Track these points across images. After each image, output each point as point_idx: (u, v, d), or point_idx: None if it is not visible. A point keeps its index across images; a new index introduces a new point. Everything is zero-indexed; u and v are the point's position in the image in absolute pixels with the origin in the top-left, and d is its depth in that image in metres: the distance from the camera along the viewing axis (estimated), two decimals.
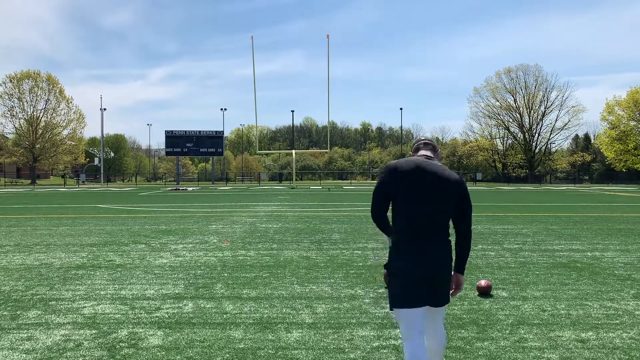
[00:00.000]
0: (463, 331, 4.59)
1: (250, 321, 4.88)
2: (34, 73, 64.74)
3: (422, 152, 3.13)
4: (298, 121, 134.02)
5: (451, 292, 3.11)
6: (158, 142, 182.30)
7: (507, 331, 4.59)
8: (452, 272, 3.08)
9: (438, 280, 2.96)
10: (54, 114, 66.11)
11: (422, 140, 3.21)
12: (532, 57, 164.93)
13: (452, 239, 2.99)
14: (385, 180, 2.99)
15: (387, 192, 3.00)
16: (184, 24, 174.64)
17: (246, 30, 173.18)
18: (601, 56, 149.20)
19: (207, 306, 5.40)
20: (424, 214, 2.92)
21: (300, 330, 4.61)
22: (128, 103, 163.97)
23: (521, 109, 73.80)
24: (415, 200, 2.92)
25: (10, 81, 64.23)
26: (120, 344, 4.27)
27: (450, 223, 3.04)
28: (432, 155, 3.10)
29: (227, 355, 4.02)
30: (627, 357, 3.99)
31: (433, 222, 2.94)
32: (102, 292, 6.01)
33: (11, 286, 6.36)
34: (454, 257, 3.05)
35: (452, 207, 2.97)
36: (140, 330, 4.62)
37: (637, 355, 4.04)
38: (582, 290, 6.13)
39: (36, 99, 64.91)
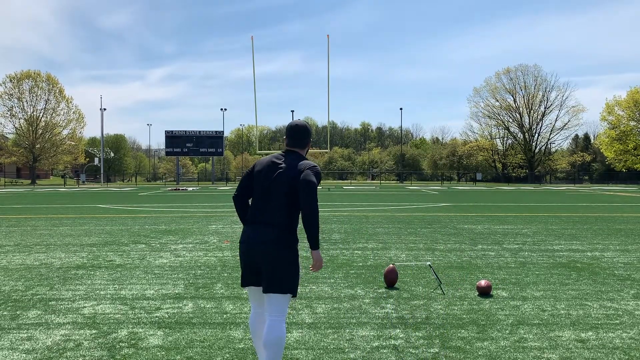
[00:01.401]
0: (463, 331, 4.59)
1: None
2: (34, 73, 64.75)
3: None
4: None
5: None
6: (158, 142, 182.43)
7: (507, 331, 4.59)
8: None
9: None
10: (54, 114, 66.17)
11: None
12: (531, 57, 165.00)
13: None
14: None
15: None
16: (183, 25, 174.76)
17: (245, 31, 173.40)
18: (598, 57, 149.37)
19: (207, 306, 5.40)
20: None
21: (300, 330, 4.61)
22: (128, 103, 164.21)
23: (521, 109, 73.87)
24: None
25: (10, 81, 64.26)
26: (120, 344, 4.27)
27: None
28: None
29: (227, 355, 4.02)
30: (627, 357, 4.00)
31: None
32: (102, 292, 6.01)
33: (11, 286, 6.36)
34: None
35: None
36: (140, 330, 4.62)
37: (637, 355, 4.04)
38: (582, 290, 6.13)
39: (36, 99, 64.95)
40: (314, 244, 3.20)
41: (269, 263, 3.19)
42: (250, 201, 3.41)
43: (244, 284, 3.36)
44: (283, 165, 3.27)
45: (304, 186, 3.13)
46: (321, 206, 20.25)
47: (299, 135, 3.40)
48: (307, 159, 3.36)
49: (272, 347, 3.16)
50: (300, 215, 3.26)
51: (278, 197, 3.22)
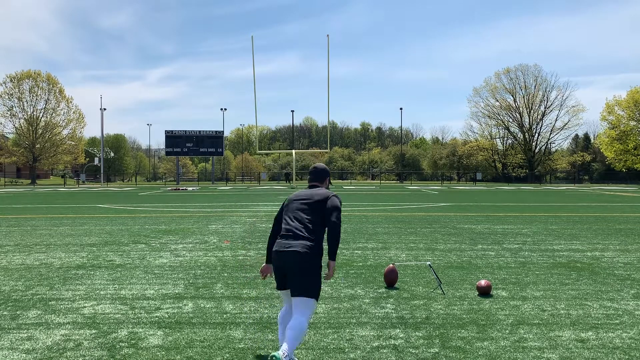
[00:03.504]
0: (463, 331, 4.59)
1: (250, 321, 4.88)
2: (34, 73, 64.71)
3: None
4: (298, 121, 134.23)
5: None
6: (158, 142, 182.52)
7: (507, 331, 4.59)
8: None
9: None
10: (54, 114, 66.13)
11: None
12: (531, 57, 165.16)
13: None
14: None
15: None
16: (182, 25, 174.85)
17: (244, 31, 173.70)
18: (598, 57, 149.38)
19: (207, 306, 5.40)
20: None
21: None
22: (127, 103, 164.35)
23: (521, 108, 73.85)
24: None
25: (11, 81, 64.22)
26: (120, 344, 4.27)
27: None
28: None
29: (227, 355, 4.02)
30: (627, 357, 4.00)
31: None
32: (102, 292, 6.01)
33: (11, 286, 6.36)
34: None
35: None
36: (140, 330, 4.62)
37: (637, 355, 4.04)
38: (582, 290, 6.13)
39: (36, 99, 64.91)
40: (333, 256, 3.81)
41: (296, 269, 3.72)
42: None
43: (279, 287, 3.92)
44: (309, 195, 4.01)
45: (331, 209, 3.86)
46: None
47: (318, 174, 4.22)
48: (328, 190, 4.11)
49: (294, 331, 3.62)
50: (325, 233, 3.89)
51: (305, 217, 3.88)
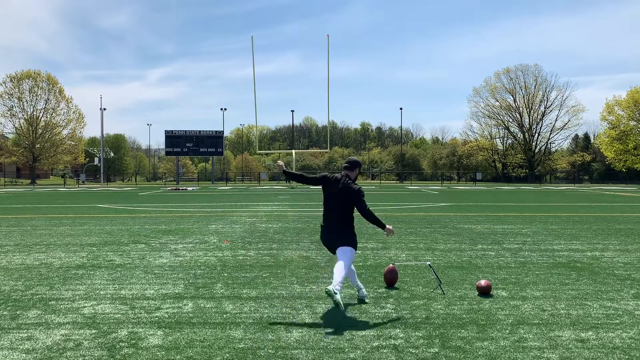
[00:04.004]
0: (463, 331, 4.59)
1: (250, 321, 4.88)
2: (34, 73, 64.68)
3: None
4: (298, 121, 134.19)
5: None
6: (158, 142, 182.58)
7: (507, 331, 4.59)
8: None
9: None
10: (54, 114, 66.10)
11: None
12: (531, 57, 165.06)
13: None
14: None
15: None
16: (182, 25, 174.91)
17: (244, 31, 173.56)
18: (598, 57, 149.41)
19: (207, 306, 5.40)
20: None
21: (300, 330, 4.61)
22: (127, 103, 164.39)
23: (521, 108, 73.86)
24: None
25: (11, 81, 64.18)
26: (120, 343, 4.27)
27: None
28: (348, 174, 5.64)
29: (227, 355, 4.02)
30: (627, 357, 4.00)
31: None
32: (102, 292, 6.01)
33: (11, 286, 6.36)
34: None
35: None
36: (140, 330, 4.62)
37: (637, 355, 4.04)
38: (582, 290, 6.13)
39: (36, 99, 64.89)
40: (381, 226, 5.45)
41: (338, 235, 5.43)
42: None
43: (332, 252, 5.52)
44: (340, 186, 5.48)
45: (359, 203, 5.41)
46: (321, 206, 20.21)
47: (351, 163, 5.65)
48: (355, 181, 5.58)
49: (338, 269, 5.14)
50: (353, 217, 5.50)
51: (338, 209, 5.48)
